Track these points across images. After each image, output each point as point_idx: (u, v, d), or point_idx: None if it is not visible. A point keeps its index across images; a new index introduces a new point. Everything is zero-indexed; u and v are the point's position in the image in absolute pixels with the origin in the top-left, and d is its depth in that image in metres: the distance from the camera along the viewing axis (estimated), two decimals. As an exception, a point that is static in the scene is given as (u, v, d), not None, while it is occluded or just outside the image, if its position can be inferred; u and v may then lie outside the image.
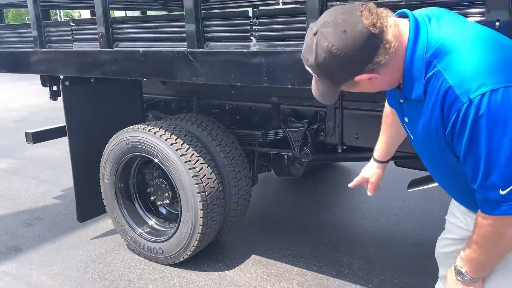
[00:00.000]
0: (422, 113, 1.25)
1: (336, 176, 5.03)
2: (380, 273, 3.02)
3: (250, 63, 2.37)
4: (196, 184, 2.89)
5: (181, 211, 3.03)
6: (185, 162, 2.91)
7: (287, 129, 3.21)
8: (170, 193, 3.23)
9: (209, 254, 3.31)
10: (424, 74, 1.20)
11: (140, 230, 3.33)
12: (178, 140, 3.00)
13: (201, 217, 2.92)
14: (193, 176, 2.90)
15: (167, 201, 3.27)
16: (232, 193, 3.15)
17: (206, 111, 3.68)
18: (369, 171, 2.02)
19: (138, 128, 3.12)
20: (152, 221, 3.40)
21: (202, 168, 2.95)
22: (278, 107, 3.36)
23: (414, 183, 3.04)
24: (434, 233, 1.87)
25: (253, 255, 3.32)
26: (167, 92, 4.05)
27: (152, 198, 3.36)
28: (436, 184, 3.08)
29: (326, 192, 4.59)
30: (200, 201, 2.89)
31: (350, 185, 2.08)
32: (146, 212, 3.42)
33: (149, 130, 3.05)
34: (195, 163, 2.93)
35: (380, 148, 1.96)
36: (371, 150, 3.27)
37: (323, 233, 3.65)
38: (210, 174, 2.98)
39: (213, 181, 2.98)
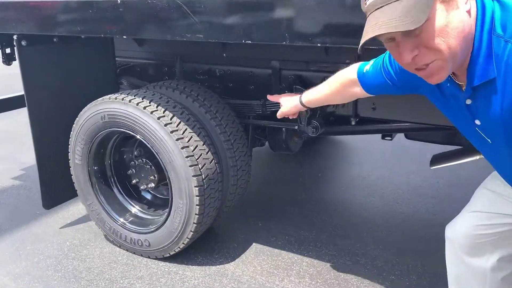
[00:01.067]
0: (497, 91, 1.18)
1: (330, 149, 4.64)
2: (400, 261, 2.68)
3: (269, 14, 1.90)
4: (191, 166, 2.40)
5: (172, 197, 2.54)
6: (177, 139, 2.40)
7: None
8: (156, 175, 2.73)
9: (204, 245, 2.86)
10: (493, 50, 1.16)
11: (121, 219, 2.83)
12: (167, 113, 2.48)
13: (197, 205, 2.45)
14: (187, 157, 2.40)
15: (152, 184, 2.78)
16: (230, 174, 2.68)
17: (191, 78, 3.14)
18: (289, 104, 2.24)
19: (115, 99, 2.56)
20: (135, 209, 2.90)
21: (197, 146, 2.45)
22: (280, 73, 2.88)
23: (437, 160, 2.69)
24: (448, 211, 1.55)
25: (254, 244, 2.90)
26: (144, 55, 3.45)
27: (133, 181, 2.84)
28: (461, 161, 2.68)
29: (323, 167, 4.21)
30: (196, 187, 2.42)
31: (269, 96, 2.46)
32: (127, 198, 2.92)
33: (130, 101, 2.50)
34: (188, 141, 2.43)
35: (315, 97, 2.10)
36: (388, 121, 2.93)
37: (327, 214, 3.28)
38: (207, 153, 2.49)
39: (210, 162, 2.50)
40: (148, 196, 2.97)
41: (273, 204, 3.45)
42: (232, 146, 2.67)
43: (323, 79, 2.65)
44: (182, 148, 2.40)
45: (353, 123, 2.70)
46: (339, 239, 2.94)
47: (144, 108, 2.46)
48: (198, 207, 2.46)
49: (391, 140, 3.19)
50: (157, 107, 2.48)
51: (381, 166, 4.07)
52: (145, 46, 3.28)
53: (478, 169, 3.21)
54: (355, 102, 2.66)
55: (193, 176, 2.41)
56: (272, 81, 2.90)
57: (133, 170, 2.82)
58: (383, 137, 3.20)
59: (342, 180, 3.95)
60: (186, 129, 2.46)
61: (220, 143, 2.64)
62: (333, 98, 2.01)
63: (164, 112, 2.47)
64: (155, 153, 2.51)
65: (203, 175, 2.44)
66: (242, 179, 2.79)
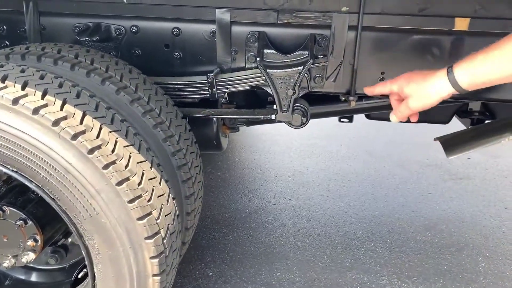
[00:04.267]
0: None
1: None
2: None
3: None
4: (141, 219, 1.19)
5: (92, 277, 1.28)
6: (105, 166, 1.15)
7: (266, 70, 1.75)
8: (39, 238, 1.39)
9: None
10: None
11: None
12: (67, 109, 1.18)
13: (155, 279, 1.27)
14: (131, 201, 1.18)
15: (32, 256, 1.42)
16: (186, 202, 1.55)
17: (57, 39, 1.81)
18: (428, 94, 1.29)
19: None
20: None
21: (143, 176, 1.24)
22: (230, 30, 1.82)
23: (452, 146, 2.09)
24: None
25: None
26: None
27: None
28: (478, 147, 2.13)
29: (247, 163, 3.28)
30: (153, 258, 1.23)
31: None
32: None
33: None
34: (127, 166, 1.20)
35: (491, 72, 1.17)
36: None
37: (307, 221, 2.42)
38: (160, 188, 1.31)
39: (167, 201, 1.32)
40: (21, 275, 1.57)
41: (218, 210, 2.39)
42: (184, 157, 1.53)
43: (309, 38, 1.77)
44: (120, 183, 1.16)
45: (351, 103, 1.85)
46: (335, 254, 2.13)
47: (15, 103, 1.10)
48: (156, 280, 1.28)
49: (349, 122, 2.49)
50: (43, 97, 1.15)
51: (356, 156, 3.38)
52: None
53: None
54: (355, 71, 1.81)
55: (148, 238, 1.21)
56: (216, 44, 1.82)
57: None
58: (340, 120, 2.47)
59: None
60: (116, 142, 1.21)
61: (166, 159, 1.46)
62: None
63: (62, 108, 1.16)
64: (50, 200, 1.19)
65: (162, 233, 1.25)
66: (199, 197, 1.68)
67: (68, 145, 1.12)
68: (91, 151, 1.13)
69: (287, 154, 3.33)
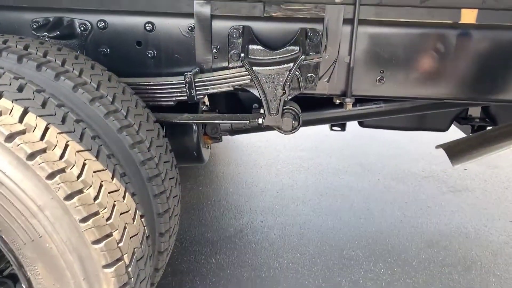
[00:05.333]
0: None
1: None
2: None
3: None
4: (97, 242, 0.95)
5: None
6: (49, 176, 0.90)
7: (252, 67, 1.55)
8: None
9: None
10: None
11: None
12: (27, 117, 0.94)
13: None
14: (82, 220, 0.93)
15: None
16: (159, 220, 1.31)
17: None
18: None
19: None
20: None
21: (103, 189, 1.00)
22: (210, 24, 1.62)
23: (456, 153, 1.91)
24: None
25: None
26: None
27: None
28: (486, 155, 1.97)
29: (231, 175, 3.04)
30: None
31: None
32: None
33: None
34: (80, 175, 0.96)
35: None
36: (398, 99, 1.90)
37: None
38: (124, 202, 1.06)
39: (133, 219, 1.08)
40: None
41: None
42: (156, 167, 1.29)
43: (299, 33, 1.57)
44: (69, 197, 0.92)
45: (348, 106, 1.65)
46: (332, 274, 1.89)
47: None
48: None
49: (342, 131, 2.30)
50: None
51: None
52: None
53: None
54: (351, 71, 1.62)
55: (106, 266, 0.96)
56: (195, 41, 1.61)
57: None
58: (331, 128, 2.28)
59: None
60: (67, 146, 0.97)
61: (134, 168, 1.22)
62: None
63: (14, 115, 0.92)
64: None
65: (126, 258, 1.01)
66: (175, 215, 1.43)
67: (1, 148, 0.88)
68: (31, 156, 0.88)
69: (274, 167, 3.10)
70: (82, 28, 1.61)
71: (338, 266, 2.08)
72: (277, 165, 3.14)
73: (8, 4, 1.61)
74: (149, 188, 1.26)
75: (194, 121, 1.76)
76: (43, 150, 0.91)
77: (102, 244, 0.95)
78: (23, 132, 0.91)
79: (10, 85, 0.99)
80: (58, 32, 1.58)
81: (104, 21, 1.61)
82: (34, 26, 1.60)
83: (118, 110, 1.24)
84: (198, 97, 1.61)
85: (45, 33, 1.58)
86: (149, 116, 1.39)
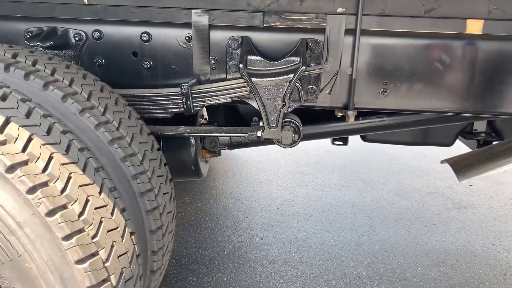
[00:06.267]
0: None
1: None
2: None
3: None
4: (80, 262, 0.89)
5: None
6: (30, 191, 0.84)
7: (251, 78, 1.50)
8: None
9: None
10: None
11: None
12: (9, 131, 0.88)
13: None
14: (65, 238, 0.87)
15: None
16: (152, 238, 1.24)
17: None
18: None
19: None
20: None
21: (89, 205, 0.94)
22: (209, 36, 1.58)
23: (464, 172, 1.84)
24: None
25: None
26: None
27: None
28: (495, 170, 1.91)
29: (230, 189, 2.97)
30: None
31: None
32: None
33: None
34: (64, 190, 0.90)
35: None
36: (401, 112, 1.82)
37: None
38: (112, 218, 1.00)
39: (122, 237, 1.02)
40: None
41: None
42: (149, 181, 1.23)
43: (299, 43, 1.52)
44: (51, 212, 0.86)
45: (350, 119, 1.59)
46: None
47: None
48: None
49: (344, 145, 2.24)
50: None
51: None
52: None
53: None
54: (353, 82, 1.57)
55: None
56: (193, 52, 1.57)
57: None
58: (333, 142, 2.22)
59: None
60: (51, 159, 0.91)
61: (124, 183, 1.16)
62: None
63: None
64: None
65: (113, 279, 0.94)
66: (169, 232, 1.36)
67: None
68: (10, 168, 0.83)
69: (274, 182, 3.04)
70: (76, 38, 1.57)
71: (341, 286, 1.99)
72: (277, 180, 3.07)
73: (1, 13, 1.57)
74: (141, 203, 1.20)
75: (191, 134, 1.70)
76: (25, 162, 0.85)
77: (86, 264, 0.88)
78: (3, 143, 0.85)
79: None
80: (52, 42, 1.54)
81: (99, 31, 1.57)
82: (28, 36, 1.57)
83: (110, 122, 1.18)
84: (195, 109, 1.56)
85: (38, 43, 1.54)
86: (143, 128, 1.33)
